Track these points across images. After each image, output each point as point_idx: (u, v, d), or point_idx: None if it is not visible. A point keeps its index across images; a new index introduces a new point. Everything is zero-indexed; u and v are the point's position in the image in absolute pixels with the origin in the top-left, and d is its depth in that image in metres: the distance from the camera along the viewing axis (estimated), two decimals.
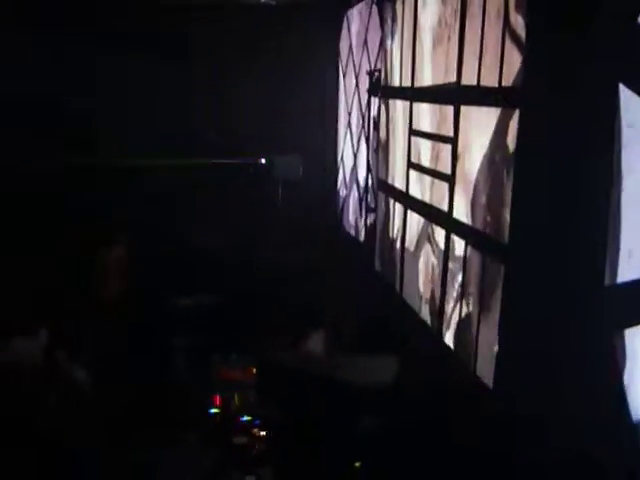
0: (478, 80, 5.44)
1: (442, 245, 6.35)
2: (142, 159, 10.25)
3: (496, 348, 5.05)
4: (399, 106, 7.82)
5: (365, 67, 9.31)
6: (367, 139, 9.35)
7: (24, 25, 9.68)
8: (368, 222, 9.35)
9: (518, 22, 4.77)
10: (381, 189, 8.62)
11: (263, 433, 5.66)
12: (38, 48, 9.74)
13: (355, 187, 10.23)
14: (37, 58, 9.78)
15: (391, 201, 8.17)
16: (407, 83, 7.41)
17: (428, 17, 6.76)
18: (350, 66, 10.34)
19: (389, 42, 8.10)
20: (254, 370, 6.31)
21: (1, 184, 9.27)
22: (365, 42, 9.40)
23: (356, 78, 9.98)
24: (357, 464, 5.11)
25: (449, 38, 6.15)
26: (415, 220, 7.26)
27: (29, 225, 9.23)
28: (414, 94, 7.23)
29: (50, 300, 7.63)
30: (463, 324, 5.87)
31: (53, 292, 7.92)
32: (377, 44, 8.68)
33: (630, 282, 3.46)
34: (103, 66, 10.03)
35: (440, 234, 6.45)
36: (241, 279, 8.89)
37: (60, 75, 9.84)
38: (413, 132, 7.24)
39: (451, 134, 6.05)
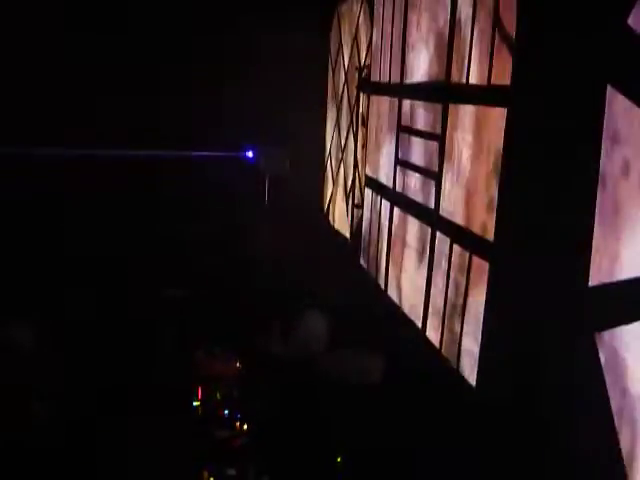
0: (467, 78, 5.45)
1: (428, 243, 6.37)
2: (126, 150, 10.17)
3: (478, 346, 5.08)
4: (387, 102, 7.82)
5: (354, 63, 9.30)
6: (355, 135, 9.35)
7: None
8: (354, 218, 9.34)
9: (508, 21, 4.78)
10: (368, 185, 8.62)
11: (245, 427, 5.65)
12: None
13: (342, 183, 10.22)
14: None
15: (378, 198, 8.17)
16: (395, 79, 7.42)
17: (417, 14, 6.77)
18: (339, 61, 10.32)
19: (378, 38, 8.09)
20: (237, 364, 6.30)
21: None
22: (355, 38, 9.39)
23: (345, 74, 9.96)
24: (339, 459, 5.12)
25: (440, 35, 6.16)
26: (401, 218, 7.27)
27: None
28: (403, 91, 7.22)
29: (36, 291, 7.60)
30: (447, 321, 5.89)
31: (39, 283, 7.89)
32: (367, 40, 8.66)
33: (614, 282, 3.48)
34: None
35: (427, 232, 6.46)
36: (225, 272, 8.86)
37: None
38: (402, 129, 7.24)
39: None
